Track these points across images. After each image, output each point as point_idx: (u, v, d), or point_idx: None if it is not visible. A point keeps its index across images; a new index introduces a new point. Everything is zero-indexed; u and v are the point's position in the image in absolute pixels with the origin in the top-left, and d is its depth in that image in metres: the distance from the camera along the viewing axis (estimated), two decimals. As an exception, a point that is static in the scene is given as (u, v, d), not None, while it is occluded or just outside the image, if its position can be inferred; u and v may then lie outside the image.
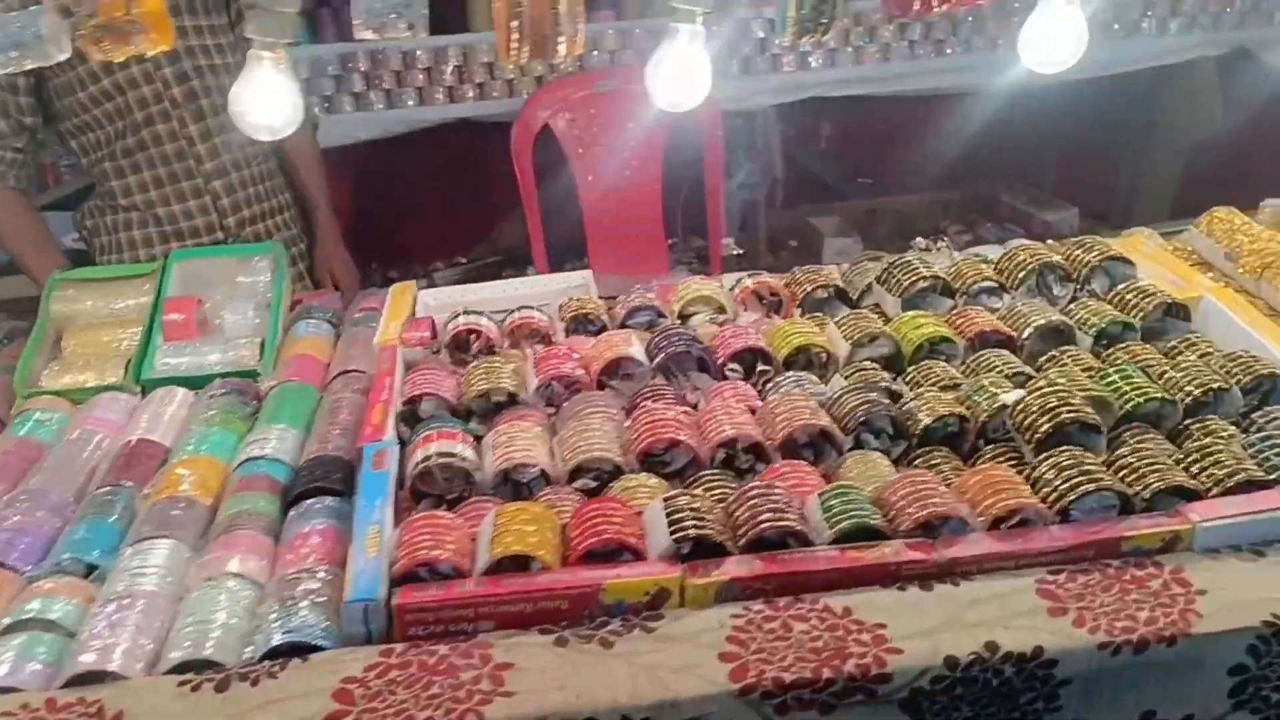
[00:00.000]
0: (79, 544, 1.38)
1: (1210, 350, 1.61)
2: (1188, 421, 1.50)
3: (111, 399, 1.79)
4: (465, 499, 1.45)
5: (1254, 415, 1.50)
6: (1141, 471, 1.33)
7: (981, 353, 1.70)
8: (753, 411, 1.58)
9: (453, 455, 1.45)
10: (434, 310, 2.08)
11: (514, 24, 1.43)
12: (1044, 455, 1.37)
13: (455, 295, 2.14)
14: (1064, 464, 1.33)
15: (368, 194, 4.20)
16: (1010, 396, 1.50)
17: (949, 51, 3.95)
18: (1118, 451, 1.40)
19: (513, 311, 1.92)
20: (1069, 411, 1.41)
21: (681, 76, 1.74)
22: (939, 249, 2.29)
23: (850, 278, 2.01)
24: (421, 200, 4.60)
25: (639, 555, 1.25)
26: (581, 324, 1.91)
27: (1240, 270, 1.80)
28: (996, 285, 1.86)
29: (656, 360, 1.72)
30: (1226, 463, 1.32)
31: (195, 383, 1.84)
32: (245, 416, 1.71)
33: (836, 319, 1.81)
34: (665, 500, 1.31)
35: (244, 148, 2.45)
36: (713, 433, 1.50)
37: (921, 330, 1.73)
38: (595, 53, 3.77)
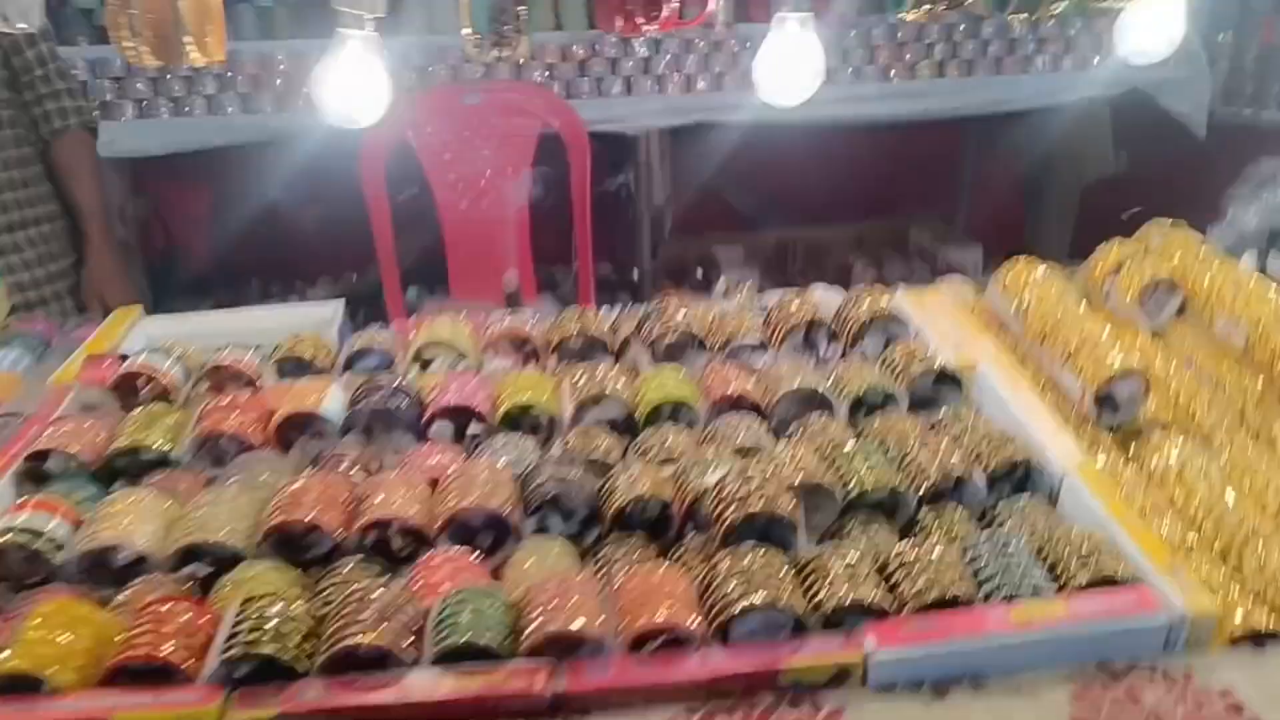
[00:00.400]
0: None
1: (969, 428, 1.40)
2: (924, 512, 1.29)
3: None
4: (44, 584, 1.20)
5: (997, 507, 1.29)
6: (831, 579, 1.11)
7: (724, 417, 1.48)
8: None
9: (33, 533, 1.20)
10: (154, 342, 1.83)
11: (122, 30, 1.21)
12: (723, 553, 1.15)
13: (187, 325, 1.90)
14: (739, 568, 1.11)
15: (240, 203, 3.96)
16: (713, 476, 1.28)
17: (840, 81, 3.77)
18: (820, 551, 1.18)
19: (224, 348, 1.68)
20: (762, 500, 1.19)
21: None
22: (741, 294, 2.08)
23: (617, 324, 1.80)
24: (309, 212, 4.35)
25: (188, 677, 1.01)
26: (296, 368, 1.68)
27: (1027, 332, 1.60)
28: (758, 342, 1.65)
29: (350, 416, 1.48)
30: (926, 572, 1.10)
31: None
32: None
33: (572, 374, 1.59)
34: (243, 604, 1.07)
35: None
36: (366, 510, 1.27)
37: (659, 390, 1.51)
38: (467, 64, 3.56)
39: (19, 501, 1.24)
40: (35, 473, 1.39)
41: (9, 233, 2.28)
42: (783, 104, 1.56)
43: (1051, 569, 1.16)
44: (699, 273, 5.00)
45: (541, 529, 1.31)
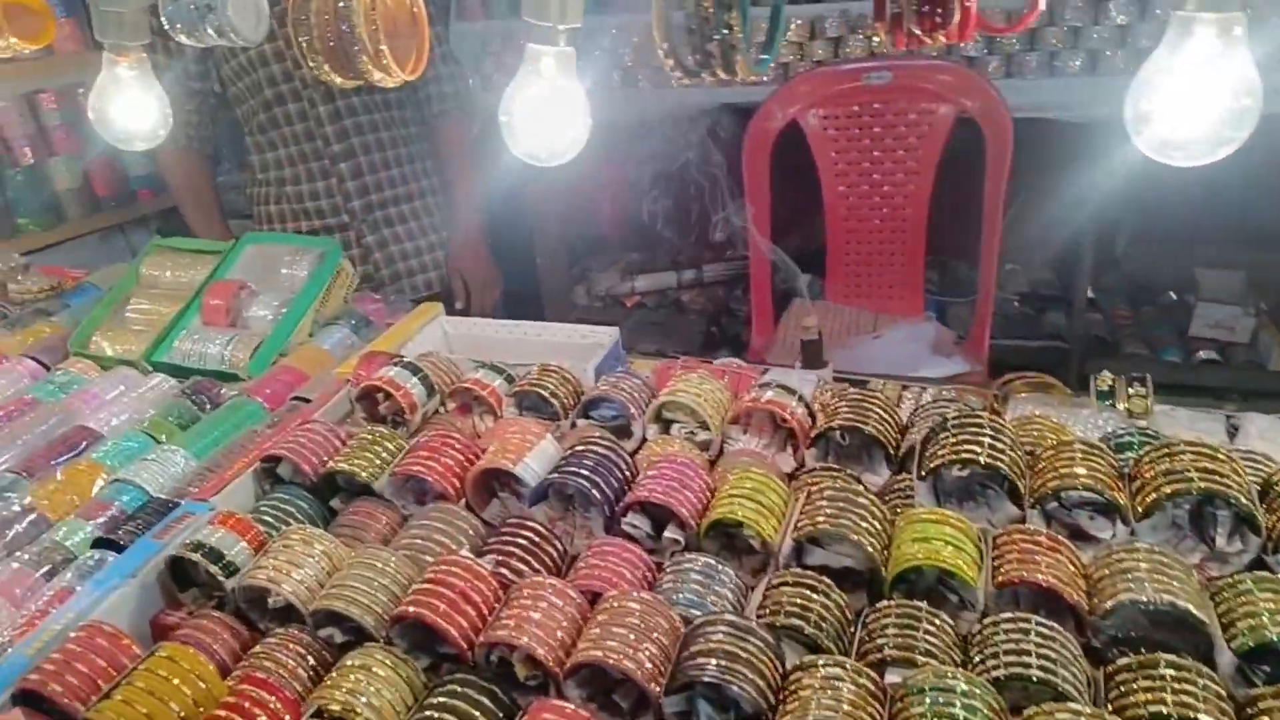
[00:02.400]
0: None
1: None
2: None
3: (121, 375, 1.84)
4: (217, 609, 1.23)
5: None
6: None
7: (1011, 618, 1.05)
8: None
9: (217, 555, 1.23)
10: (439, 343, 1.85)
11: (303, 39, 1.11)
12: None
13: (475, 329, 1.88)
14: None
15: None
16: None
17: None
18: None
19: (478, 368, 1.63)
20: None
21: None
22: (1130, 395, 1.51)
23: (914, 419, 1.40)
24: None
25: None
26: (535, 403, 1.56)
27: None
28: (1102, 500, 1.15)
29: (546, 484, 1.32)
30: None
31: (193, 373, 1.84)
32: (181, 424, 1.65)
33: (818, 487, 1.25)
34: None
35: (378, 131, 2.39)
36: (497, 626, 1.10)
37: (921, 548, 1.13)
38: (858, 36, 3.17)
39: (222, 515, 1.29)
40: (269, 473, 1.45)
41: (395, 205, 2.48)
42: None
43: None
44: (1170, 295, 3.93)
45: (687, 713, 1.03)
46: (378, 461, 1.39)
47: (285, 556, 1.20)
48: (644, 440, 1.50)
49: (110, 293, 2.07)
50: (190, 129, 2.47)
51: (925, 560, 1.12)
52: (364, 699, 1.03)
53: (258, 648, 1.13)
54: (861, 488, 1.26)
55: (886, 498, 1.31)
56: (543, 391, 1.53)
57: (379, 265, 2.51)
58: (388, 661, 1.09)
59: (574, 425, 1.55)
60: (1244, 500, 1.13)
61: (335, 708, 1.01)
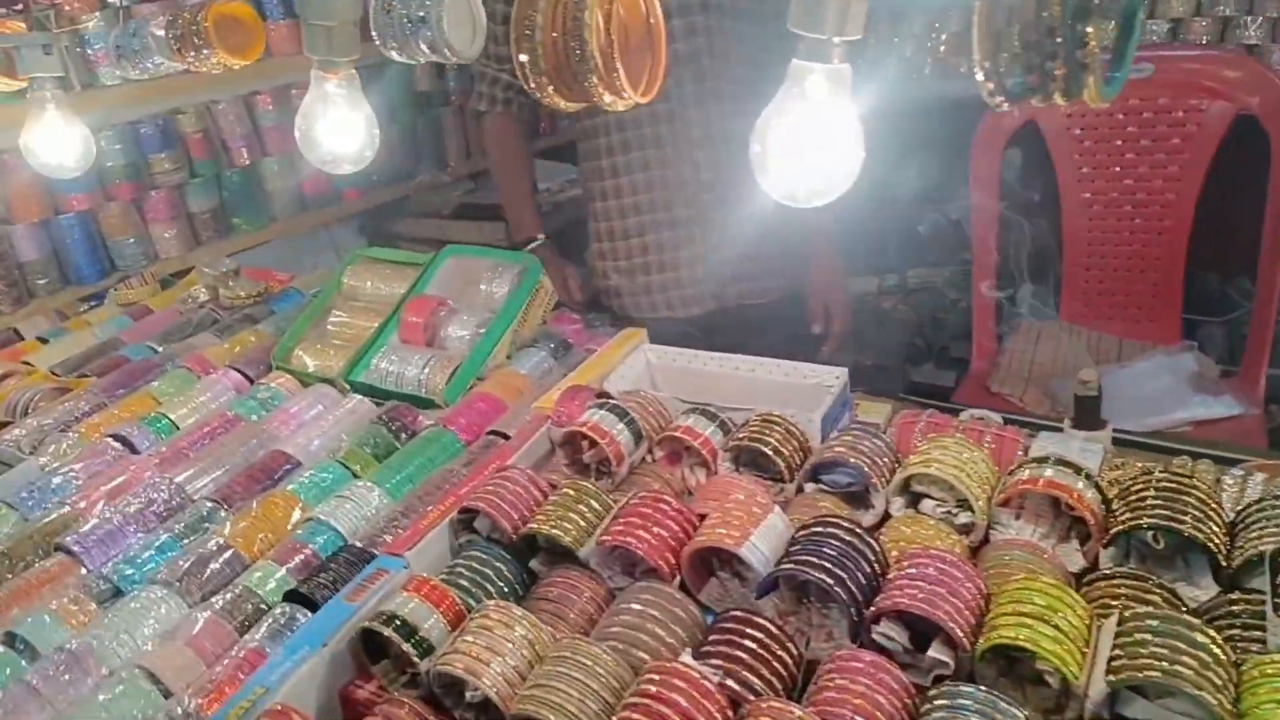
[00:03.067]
0: (132, 559, 1.38)
1: None
2: None
3: (320, 393, 1.79)
4: (409, 684, 1.11)
5: None
6: None
7: None
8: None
9: (409, 629, 1.11)
10: (642, 376, 1.68)
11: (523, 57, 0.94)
12: None
13: (681, 360, 1.70)
14: None
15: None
16: None
17: None
18: None
19: (689, 411, 1.44)
20: None
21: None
22: None
23: (1243, 516, 1.09)
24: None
25: None
26: (755, 462, 1.35)
27: None
28: None
29: (777, 573, 1.12)
30: None
31: (390, 395, 1.76)
32: (377, 455, 1.57)
33: (1120, 602, 0.98)
34: None
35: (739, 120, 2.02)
36: (730, 755, 0.91)
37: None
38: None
39: (416, 581, 1.16)
40: (465, 524, 1.33)
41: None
42: None
43: None
44: None
45: None
46: (582, 523, 1.23)
47: (484, 641, 1.06)
48: (886, 517, 1.27)
49: (314, 302, 2.03)
50: (513, 91, 2.27)
51: None
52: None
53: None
54: (1191, 616, 0.98)
55: (1214, 624, 1.02)
56: (764, 448, 1.33)
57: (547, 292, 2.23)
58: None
59: (800, 490, 1.34)
60: None
61: None
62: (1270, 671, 0.89)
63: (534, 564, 1.27)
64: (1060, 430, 1.41)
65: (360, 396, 1.77)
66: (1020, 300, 3.34)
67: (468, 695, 1.05)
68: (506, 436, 1.55)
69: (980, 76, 0.83)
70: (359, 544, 1.33)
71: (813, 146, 0.93)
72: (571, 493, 1.27)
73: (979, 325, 2.99)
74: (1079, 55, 0.76)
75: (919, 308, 3.99)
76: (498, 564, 1.23)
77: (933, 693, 0.97)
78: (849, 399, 1.56)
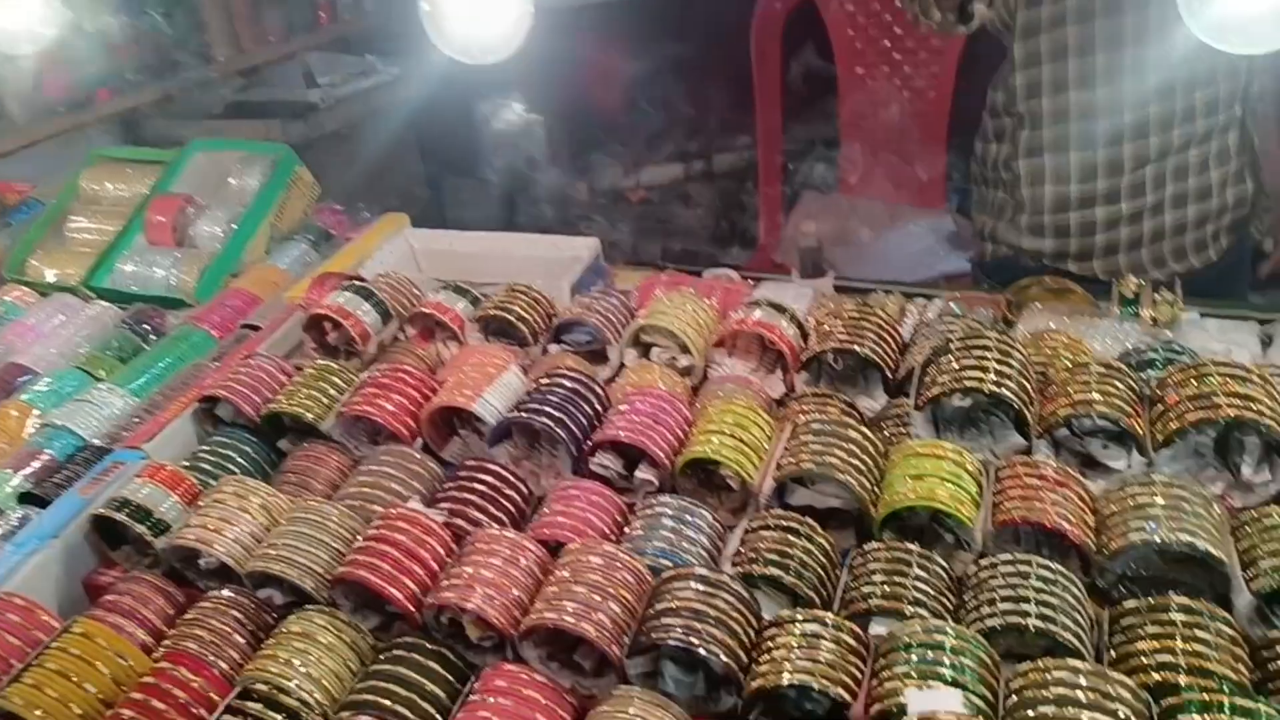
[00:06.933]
0: None
1: None
2: None
3: (61, 303, 1.70)
4: (153, 566, 1.13)
5: None
6: None
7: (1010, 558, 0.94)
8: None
9: (144, 513, 1.12)
10: (404, 260, 1.69)
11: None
12: None
13: (443, 242, 1.72)
14: None
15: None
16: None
17: None
18: None
19: (441, 289, 1.48)
20: None
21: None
22: (1157, 302, 1.36)
23: (916, 337, 1.25)
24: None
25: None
26: (501, 329, 1.41)
27: None
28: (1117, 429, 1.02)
29: (507, 422, 1.19)
30: None
31: (138, 299, 1.70)
32: (122, 358, 1.53)
33: (804, 414, 1.12)
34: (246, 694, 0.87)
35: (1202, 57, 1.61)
36: (447, 587, 0.99)
37: (915, 486, 1.00)
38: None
39: (151, 467, 1.17)
40: (210, 413, 1.33)
41: (1196, 147, 1.74)
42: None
43: None
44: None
45: (652, 674, 0.93)
46: (324, 400, 1.26)
47: (217, 513, 1.09)
48: (621, 367, 1.36)
49: (49, 210, 1.91)
50: None
51: (918, 501, 1.00)
52: (302, 669, 0.93)
53: (191, 614, 1.03)
54: (853, 419, 1.12)
55: (883, 425, 1.18)
56: (509, 315, 1.39)
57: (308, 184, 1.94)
58: (330, 626, 0.99)
59: (544, 352, 1.41)
60: (1276, 426, 0.99)
61: (262, 688, 0.91)
62: (907, 453, 1.05)
63: (282, 444, 1.29)
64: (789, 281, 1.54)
65: (106, 304, 1.69)
66: (812, 177, 3.51)
67: (202, 563, 1.08)
68: (258, 329, 1.54)
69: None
70: (99, 443, 1.31)
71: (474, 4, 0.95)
72: (313, 372, 1.29)
73: (765, 205, 3.14)
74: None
75: (723, 193, 4.12)
76: (243, 446, 1.25)
77: (638, 506, 1.08)
78: (603, 268, 1.63)
